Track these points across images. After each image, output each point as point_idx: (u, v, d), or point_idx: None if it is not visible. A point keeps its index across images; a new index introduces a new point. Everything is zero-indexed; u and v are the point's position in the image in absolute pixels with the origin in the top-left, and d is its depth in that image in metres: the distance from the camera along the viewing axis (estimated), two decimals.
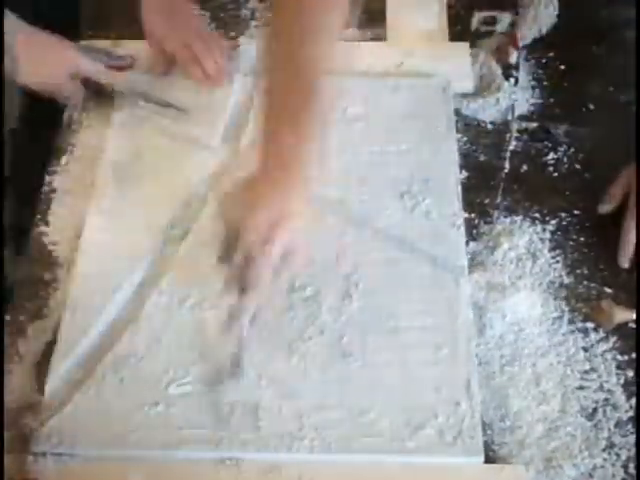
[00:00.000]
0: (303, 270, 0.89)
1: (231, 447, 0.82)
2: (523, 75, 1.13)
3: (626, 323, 0.92)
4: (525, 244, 0.98)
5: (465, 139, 1.08)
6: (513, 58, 1.13)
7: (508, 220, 1.01)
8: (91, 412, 0.84)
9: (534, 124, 1.10)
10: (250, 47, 1.15)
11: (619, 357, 0.89)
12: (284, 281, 0.86)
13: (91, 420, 0.83)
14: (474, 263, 0.96)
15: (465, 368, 0.86)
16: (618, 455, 0.83)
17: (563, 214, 1.01)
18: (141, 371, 0.86)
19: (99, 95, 1.10)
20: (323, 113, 0.83)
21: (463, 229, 0.97)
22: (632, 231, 0.95)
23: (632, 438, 0.84)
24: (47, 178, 1.05)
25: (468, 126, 1.10)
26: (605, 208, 1.00)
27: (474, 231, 1.00)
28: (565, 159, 1.06)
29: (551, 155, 1.07)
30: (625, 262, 0.96)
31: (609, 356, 0.90)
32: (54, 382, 0.86)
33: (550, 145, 1.07)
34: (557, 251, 0.98)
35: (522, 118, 1.10)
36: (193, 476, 0.81)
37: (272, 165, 0.83)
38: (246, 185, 0.85)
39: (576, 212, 1.01)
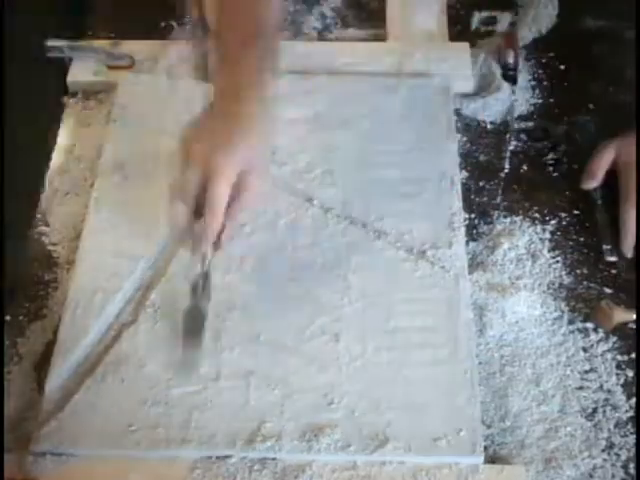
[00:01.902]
0: (255, 198, 0.89)
1: (231, 447, 0.82)
2: (523, 75, 1.13)
3: (626, 323, 0.92)
4: (525, 244, 0.98)
5: (465, 139, 1.08)
6: (512, 58, 1.12)
7: (508, 220, 1.01)
8: (91, 412, 0.84)
9: (534, 124, 1.10)
10: None
11: (619, 357, 0.89)
12: (239, 207, 0.88)
13: (91, 420, 0.83)
14: (474, 263, 0.96)
15: (465, 368, 0.86)
16: (618, 455, 0.83)
17: (563, 214, 1.01)
18: (141, 371, 0.86)
19: None
20: (269, 48, 0.91)
21: (463, 229, 0.97)
22: (632, 220, 0.95)
23: (632, 438, 0.84)
24: (47, 178, 1.05)
25: (468, 126, 1.10)
26: (588, 185, 1.01)
27: (474, 231, 1.00)
28: (565, 159, 1.06)
29: (551, 155, 1.07)
30: (629, 252, 0.96)
31: (609, 356, 0.90)
32: (54, 382, 0.86)
33: (550, 145, 1.07)
34: (557, 251, 0.98)
35: (522, 118, 1.10)
36: (193, 476, 0.81)
37: (225, 101, 0.88)
38: (203, 121, 0.90)
39: (576, 212, 1.01)
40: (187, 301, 0.90)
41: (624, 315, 0.91)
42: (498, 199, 1.02)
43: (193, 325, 0.88)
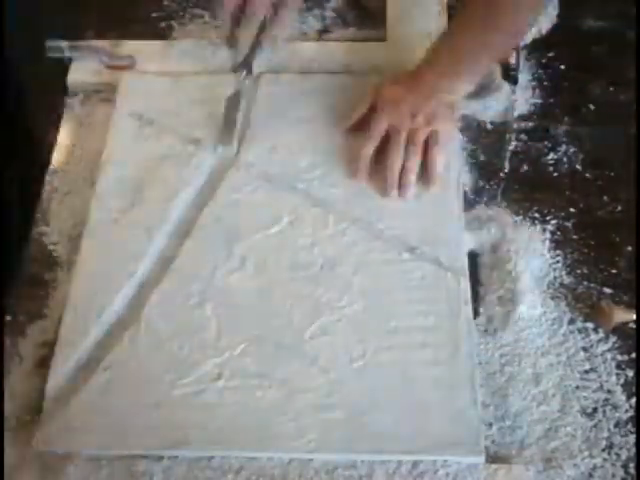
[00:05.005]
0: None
1: (232, 447, 0.82)
2: (523, 75, 1.13)
3: (626, 323, 0.92)
4: (525, 244, 0.98)
5: (465, 139, 1.08)
6: (513, 58, 1.12)
7: None
8: (92, 412, 0.84)
9: (534, 124, 1.10)
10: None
11: (619, 357, 0.90)
12: None
13: (92, 420, 0.84)
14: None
15: (466, 368, 0.86)
16: (618, 455, 0.83)
17: (563, 214, 1.01)
18: (142, 372, 0.86)
19: None
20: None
21: (463, 229, 0.97)
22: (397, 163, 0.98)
23: (632, 438, 0.84)
24: (47, 178, 1.05)
25: (468, 126, 1.09)
26: (344, 124, 1.03)
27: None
28: (565, 159, 1.06)
29: (551, 155, 1.07)
30: (391, 191, 0.98)
31: (609, 356, 0.90)
32: (55, 382, 0.86)
33: (550, 145, 1.07)
34: (557, 251, 0.98)
35: (522, 118, 1.10)
36: (193, 476, 0.81)
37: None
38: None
39: (576, 212, 1.01)
40: (187, 303, 0.91)
41: (624, 315, 0.91)
42: (498, 199, 1.02)
43: (232, 106, 1.03)
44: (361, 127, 1.02)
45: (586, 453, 0.83)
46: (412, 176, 0.98)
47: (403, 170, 0.98)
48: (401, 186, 0.98)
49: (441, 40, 1.02)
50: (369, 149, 1.00)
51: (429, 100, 1.00)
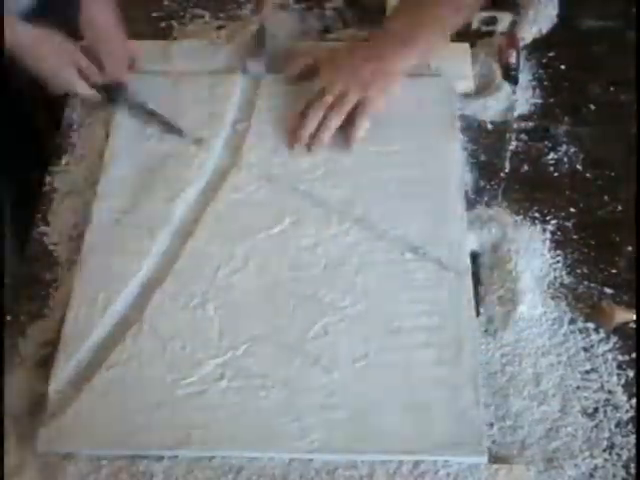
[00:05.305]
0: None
1: (235, 447, 0.82)
2: (523, 75, 1.13)
3: (626, 323, 0.92)
4: (525, 244, 0.98)
5: (466, 139, 1.08)
6: (513, 58, 1.13)
7: None
8: (94, 413, 0.84)
9: (534, 124, 1.10)
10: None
11: (620, 357, 0.90)
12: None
13: (94, 420, 0.83)
14: None
15: (469, 368, 0.86)
16: (619, 455, 0.84)
17: (563, 214, 1.01)
18: (145, 372, 0.86)
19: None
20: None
21: (465, 229, 0.97)
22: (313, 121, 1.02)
23: (633, 438, 0.84)
24: (47, 178, 1.05)
25: (469, 126, 1.10)
26: (290, 71, 1.10)
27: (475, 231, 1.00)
28: (565, 159, 1.07)
29: (551, 155, 1.07)
30: (295, 143, 1.03)
31: (610, 356, 0.90)
32: (57, 382, 0.86)
33: (550, 145, 1.08)
34: (557, 251, 0.98)
35: (522, 118, 1.10)
36: (194, 476, 0.81)
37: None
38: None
39: (576, 212, 1.02)
40: (189, 303, 0.91)
41: (625, 315, 0.92)
42: (499, 199, 1.03)
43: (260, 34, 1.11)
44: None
45: (587, 453, 0.84)
46: (324, 135, 1.02)
47: (319, 128, 1.02)
48: (310, 141, 1.02)
49: (391, 15, 1.10)
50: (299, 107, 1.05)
51: (366, 67, 1.03)
